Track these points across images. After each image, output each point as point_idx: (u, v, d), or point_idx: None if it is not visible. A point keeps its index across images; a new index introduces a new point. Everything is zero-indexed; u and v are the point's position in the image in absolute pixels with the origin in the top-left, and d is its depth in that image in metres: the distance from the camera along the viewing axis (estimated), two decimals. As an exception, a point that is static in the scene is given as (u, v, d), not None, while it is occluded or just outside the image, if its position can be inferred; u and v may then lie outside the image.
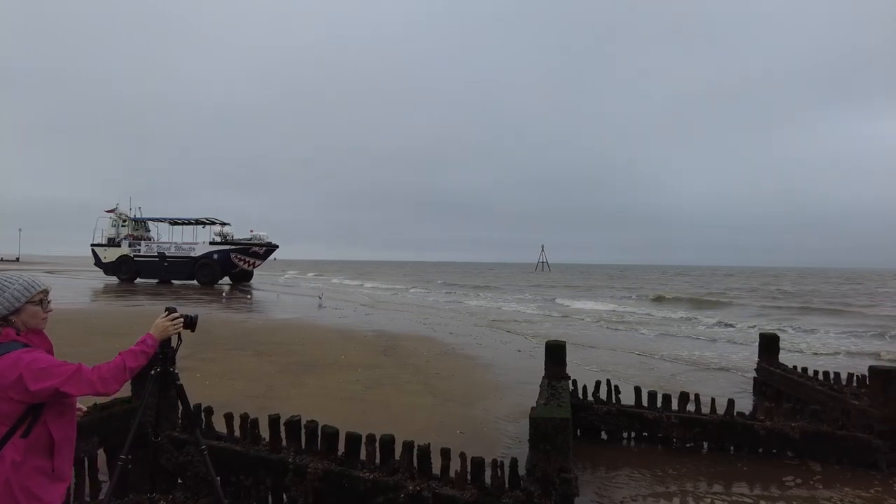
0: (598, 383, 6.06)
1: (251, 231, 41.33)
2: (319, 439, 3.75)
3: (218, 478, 3.45)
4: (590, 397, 5.93)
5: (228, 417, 4.05)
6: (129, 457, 3.05)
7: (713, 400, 5.84)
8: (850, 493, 4.69)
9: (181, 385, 3.26)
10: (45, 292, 2.21)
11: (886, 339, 16.98)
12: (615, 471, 5.11)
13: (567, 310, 26.19)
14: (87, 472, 3.69)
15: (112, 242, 41.22)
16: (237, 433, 4.01)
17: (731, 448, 5.51)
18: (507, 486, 3.35)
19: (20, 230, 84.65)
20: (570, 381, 5.68)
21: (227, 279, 40.66)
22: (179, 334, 2.85)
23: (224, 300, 25.56)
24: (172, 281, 39.87)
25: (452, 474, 3.46)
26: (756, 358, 8.19)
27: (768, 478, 4.96)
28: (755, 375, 8.20)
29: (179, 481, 3.94)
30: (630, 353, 12.83)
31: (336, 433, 3.72)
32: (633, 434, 5.81)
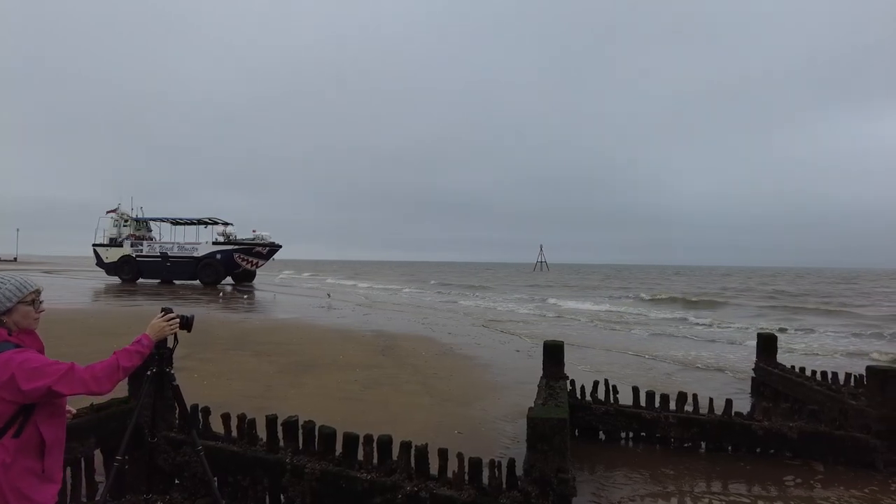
0: (595, 383, 6.06)
1: (253, 231, 41.29)
2: (317, 440, 3.75)
3: (215, 478, 3.44)
4: (588, 397, 5.93)
5: (226, 418, 4.04)
6: (126, 457, 3.05)
7: (711, 400, 5.84)
8: (846, 492, 4.69)
9: (177, 386, 3.25)
10: (38, 292, 2.20)
11: (881, 339, 17.03)
12: (613, 471, 5.11)
13: (561, 310, 26.20)
14: (83, 473, 3.68)
15: (114, 242, 41.10)
16: (234, 433, 4.00)
17: (729, 448, 5.51)
18: (504, 486, 3.35)
19: (18, 230, 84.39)
20: (569, 381, 5.68)
21: (229, 279, 40.62)
22: (176, 335, 2.84)
23: (221, 300, 25.53)
24: (175, 281, 39.80)
25: (450, 475, 3.46)
26: (752, 358, 8.20)
27: (766, 478, 4.97)
28: (753, 375, 8.21)
29: (177, 482, 3.93)
30: (625, 353, 12.84)
31: (333, 433, 3.71)
32: (630, 434, 5.81)
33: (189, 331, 2.86)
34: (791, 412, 5.88)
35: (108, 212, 42.46)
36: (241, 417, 3.96)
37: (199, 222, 41.65)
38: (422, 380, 8.93)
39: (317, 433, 3.75)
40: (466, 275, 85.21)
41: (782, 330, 17.97)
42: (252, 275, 42.06)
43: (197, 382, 7.87)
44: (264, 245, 40.60)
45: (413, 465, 3.52)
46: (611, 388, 5.93)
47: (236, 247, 39.44)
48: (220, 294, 29.41)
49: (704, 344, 15.16)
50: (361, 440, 3.64)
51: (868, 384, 5.42)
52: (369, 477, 3.48)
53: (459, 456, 3.47)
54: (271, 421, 3.83)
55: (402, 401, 7.52)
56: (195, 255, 39.45)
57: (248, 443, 3.88)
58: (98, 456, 3.80)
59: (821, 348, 14.76)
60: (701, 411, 5.67)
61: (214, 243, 39.71)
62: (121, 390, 3.02)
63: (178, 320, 2.73)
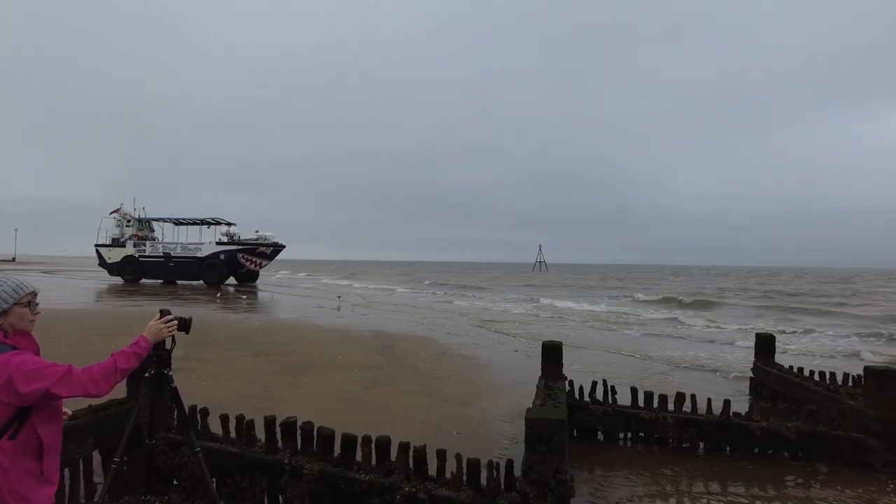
0: (594, 384, 6.06)
1: (256, 231, 41.24)
2: (315, 440, 3.75)
3: (214, 479, 3.44)
4: (586, 398, 5.93)
5: (224, 419, 4.04)
6: (124, 459, 3.04)
7: (709, 400, 5.85)
8: (842, 493, 4.70)
9: (175, 388, 3.25)
10: (34, 294, 2.20)
11: (876, 338, 17.05)
12: (611, 471, 5.11)
13: (556, 310, 26.20)
14: (81, 474, 3.68)
15: (116, 243, 41.03)
16: (233, 434, 4.00)
17: (728, 448, 5.52)
18: (502, 487, 3.35)
19: (16, 230, 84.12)
20: (567, 382, 5.69)
21: (232, 279, 40.58)
22: (173, 336, 2.83)
23: (219, 300, 25.50)
24: (178, 281, 39.74)
25: (448, 475, 3.46)
26: (749, 358, 8.20)
27: (765, 478, 4.97)
28: (751, 375, 8.22)
29: (175, 483, 3.93)
30: (622, 354, 12.84)
31: (332, 434, 3.71)
32: (629, 434, 5.82)
33: (187, 332, 2.85)
34: (789, 412, 5.89)
35: (111, 212, 42.42)
36: (240, 418, 3.96)
37: (203, 222, 41.58)
38: (420, 380, 8.93)
39: (315, 434, 3.75)
40: (464, 275, 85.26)
41: (781, 332, 18.00)
42: (255, 275, 42.05)
43: (195, 383, 7.87)
44: (268, 245, 40.57)
45: (411, 465, 3.52)
46: (609, 388, 5.94)
47: (240, 247, 39.38)
48: (218, 294, 29.37)
49: (702, 344, 15.18)
50: (360, 441, 3.64)
51: (866, 384, 5.43)
52: (367, 478, 3.48)
53: (458, 457, 3.47)
54: (270, 422, 3.83)
55: (401, 401, 7.52)
56: (198, 255, 39.38)
57: (247, 444, 3.88)
58: (96, 457, 3.80)
59: (816, 348, 14.78)
60: (699, 412, 5.68)
61: (218, 243, 39.64)
62: (119, 391, 3.02)
63: (175, 322, 2.72)
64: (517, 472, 3.42)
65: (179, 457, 3.82)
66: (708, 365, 11.51)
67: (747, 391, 8.47)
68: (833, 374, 6.92)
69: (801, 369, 7.08)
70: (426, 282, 58.08)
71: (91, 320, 14.98)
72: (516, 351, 12.66)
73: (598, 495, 4.62)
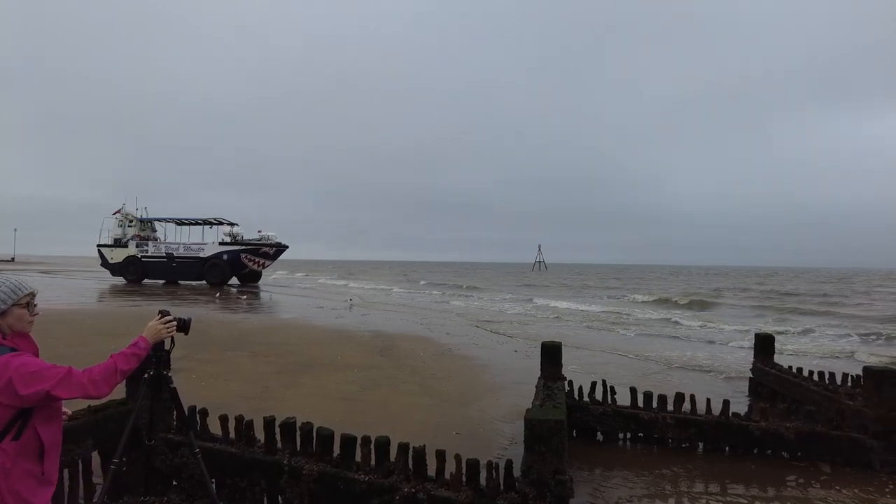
0: (593, 384, 6.06)
1: (259, 231, 41.18)
2: (315, 441, 3.75)
3: (213, 480, 3.43)
4: (585, 398, 5.94)
5: (223, 419, 4.03)
6: (124, 459, 3.04)
7: (708, 400, 5.85)
8: (840, 492, 4.71)
9: (175, 388, 3.25)
10: (32, 295, 2.19)
11: (872, 338, 17.07)
12: (611, 472, 5.11)
13: (553, 310, 26.20)
14: (81, 475, 3.68)
15: (118, 243, 40.94)
16: (232, 435, 4.00)
17: (727, 449, 5.52)
18: (502, 487, 3.36)
19: (15, 230, 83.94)
20: (566, 382, 5.69)
21: (234, 279, 40.55)
22: (172, 337, 2.83)
23: (218, 300, 25.49)
24: (180, 281, 39.69)
25: (448, 476, 3.46)
26: (748, 358, 8.21)
27: (764, 478, 4.98)
28: (750, 376, 8.22)
29: (174, 483, 3.93)
30: (620, 354, 12.85)
31: (331, 435, 3.71)
32: (628, 435, 5.82)
33: (186, 333, 2.85)
34: (788, 412, 5.90)
35: (113, 213, 42.34)
36: (239, 419, 3.96)
37: (205, 223, 41.51)
38: (420, 380, 8.93)
39: (314, 434, 3.75)
40: (463, 275, 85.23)
41: (780, 332, 18.01)
42: (258, 275, 42.00)
43: (195, 383, 7.86)
44: (271, 245, 40.52)
45: (411, 466, 3.52)
46: (608, 388, 5.94)
47: (243, 247, 39.31)
48: (217, 294, 29.34)
49: (700, 345, 15.18)
50: (359, 441, 3.64)
51: (865, 384, 5.44)
52: (367, 478, 3.48)
53: (457, 457, 3.47)
54: (269, 422, 3.83)
55: (401, 401, 7.52)
56: (201, 255, 39.29)
57: (246, 444, 3.88)
58: (96, 458, 3.80)
59: (815, 348, 14.79)
60: (698, 412, 5.68)
61: (221, 244, 39.55)
62: (118, 392, 3.01)
63: (174, 323, 2.72)
64: (517, 472, 3.43)
65: (179, 457, 3.82)
66: (706, 365, 11.51)
67: (746, 391, 8.48)
68: (832, 375, 6.92)
69: (800, 369, 7.08)
70: (422, 282, 58.02)
71: (90, 320, 14.96)
72: (516, 351, 12.66)
73: (598, 495, 4.62)
